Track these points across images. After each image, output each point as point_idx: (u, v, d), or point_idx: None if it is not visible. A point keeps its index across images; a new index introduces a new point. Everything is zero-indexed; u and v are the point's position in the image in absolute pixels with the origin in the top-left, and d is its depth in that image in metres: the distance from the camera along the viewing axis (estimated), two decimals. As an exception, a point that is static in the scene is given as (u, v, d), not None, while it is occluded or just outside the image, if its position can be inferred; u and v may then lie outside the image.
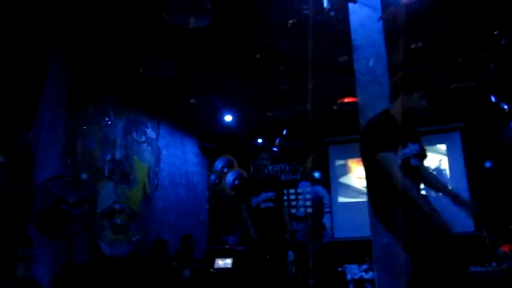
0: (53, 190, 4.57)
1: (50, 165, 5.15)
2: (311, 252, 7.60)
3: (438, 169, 8.46)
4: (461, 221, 7.88)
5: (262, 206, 4.30)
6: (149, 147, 7.57)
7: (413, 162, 2.37)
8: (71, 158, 5.75)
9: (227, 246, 8.01)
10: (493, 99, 6.81)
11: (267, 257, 4.27)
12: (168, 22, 4.02)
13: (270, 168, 4.87)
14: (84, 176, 5.90)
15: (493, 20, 5.15)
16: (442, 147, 8.51)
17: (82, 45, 5.51)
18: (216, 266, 6.60)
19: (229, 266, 6.57)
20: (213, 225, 9.20)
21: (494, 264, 6.06)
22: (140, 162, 7.28)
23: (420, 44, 5.56)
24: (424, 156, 2.57)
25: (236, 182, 8.70)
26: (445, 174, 8.41)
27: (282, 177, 9.54)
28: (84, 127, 6.11)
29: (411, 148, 2.42)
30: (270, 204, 4.33)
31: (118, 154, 6.75)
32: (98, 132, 6.39)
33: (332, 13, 3.98)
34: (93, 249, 5.86)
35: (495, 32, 5.22)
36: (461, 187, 8.12)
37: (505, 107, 6.83)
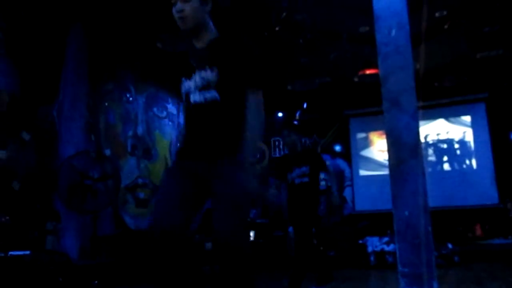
0: (78, 165, 4.68)
1: (74, 140, 5.25)
2: (332, 224, 7.64)
3: (462, 141, 8.32)
4: (485, 193, 7.83)
5: (296, 181, 4.27)
6: (170, 122, 7.63)
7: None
8: (94, 134, 5.85)
9: (248, 219, 8.11)
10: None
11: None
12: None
13: (301, 140, 4.80)
14: (107, 151, 6.00)
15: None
16: (467, 118, 8.33)
17: (100, 21, 5.51)
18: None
19: (251, 238, 6.68)
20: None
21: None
22: (162, 137, 7.36)
23: (445, 12, 5.37)
24: None
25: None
26: (470, 146, 8.27)
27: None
28: (106, 103, 6.18)
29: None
30: (305, 179, 4.26)
31: (140, 130, 6.83)
32: (120, 107, 6.46)
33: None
34: (118, 222, 6.02)
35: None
36: (486, 158, 7.99)
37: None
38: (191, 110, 1.95)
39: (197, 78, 1.94)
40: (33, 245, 4.21)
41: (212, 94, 1.92)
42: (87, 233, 5.08)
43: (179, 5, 1.93)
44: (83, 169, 4.70)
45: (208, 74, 1.93)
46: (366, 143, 8.95)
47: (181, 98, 2.11)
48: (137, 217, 6.46)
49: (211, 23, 2.05)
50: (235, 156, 1.85)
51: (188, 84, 1.97)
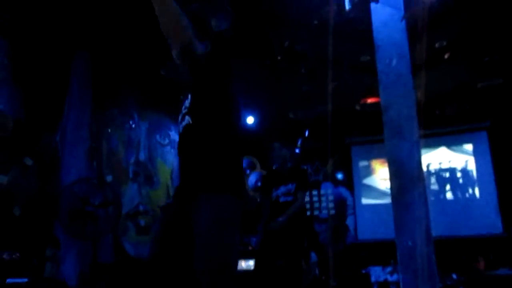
0: (79, 192, 4.67)
1: (76, 166, 5.26)
2: (334, 254, 7.55)
3: (464, 170, 8.29)
4: (489, 222, 7.74)
5: (281, 199, 4.09)
6: (172, 150, 7.65)
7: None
8: (96, 160, 5.86)
9: (250, 248, 8.02)
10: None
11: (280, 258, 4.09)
12: (190, 25, 4.05)
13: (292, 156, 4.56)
14: (109, 178, 5.99)
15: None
16: (469, 147, 8.33)
17: (106, 47, 5.60)
18: (239, 268, 6.61)
19: (252, 267, 6.58)
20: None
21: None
22: (164, 164, 7.36)
23: (445, 43, 5.45)
24: None
25: (259, 183, 8.70)
26: (472, 175, 8.23)
27: (305, 178, 9.50)
28: (109, 129, 6.22)
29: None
30: (289, 198, 4.07)
31: (142, 156, 6.84)
32: (122, 134, 6.49)
33: (353, 14, 3.95)
34: (118, 250, 5.95)
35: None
36: (489, 187, 7.94)
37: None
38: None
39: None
40: (32, 272, 4.16)
41: (186, 120, 1.84)
42: (86, 260, 5.02)
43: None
44: (84, 195, 4.69)
45: (187, 101, 1.89)
46: (369, 171, 8.93)
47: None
48: (137, 244, 6.39)
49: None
50: (213, 188, 1.69)
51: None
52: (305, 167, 8.87)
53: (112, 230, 5.27)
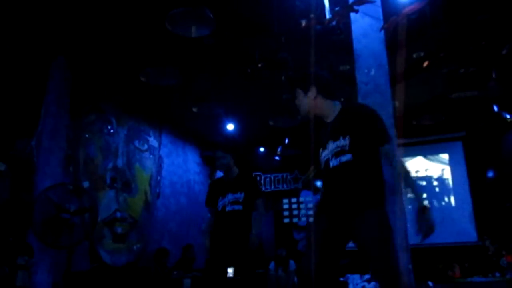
0: (54, 198, 4.57)
1: (51, 173, 5.15)
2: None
3: (440, 179, 8.44)
4: (464, 230, 7.88)
5: (228, 209, 3.84)
6: (151, 156, 7.57)
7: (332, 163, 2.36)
8: (73, 166, 5.76)
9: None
10: (495, 108, 6.80)
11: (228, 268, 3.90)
12: (170, 31, 4.04)
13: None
14: (85, 184, 5.89)
15: (494, 30, 5.15)
16: (445, 156, 8.49)
17: (84, 53, 5.54)
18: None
19: (231, 275, 6.53)
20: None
21: (497, 274, 6.02)
22: (142, 171, 7.28)
23: (422, 54, 5.56)
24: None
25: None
26: (448, 183, 8.39)
27: (285, 186, 9.52)
28: (86, 135, 6.12)
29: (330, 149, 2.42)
30: (238, 207, 3.83)
31: (120, 162, 6.75)
32: (100, 140, 6.40)
33: (333, 23, 3.99)
34: (93, 258, 5.84)
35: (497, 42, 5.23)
36: (464, 196, 8.09)
37: (507, 116, 6.82)
38: (330, 172, 2.39)
39: (331, 146, 2.39)
40: (3, 280, 4.04)
41: (347, 157, 2.33)
42: (60, 268, 4.91)
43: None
44: (59, 201, 4.58)
45: (341, 142, 2.37)
46: (347, 180, 8.99)
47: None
48: (113, 252, 6.29)
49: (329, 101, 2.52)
50: (374, 206, 2.26)
51: (325, 153, 2.43)
52: (254, 175, 8.82)
53: (88, 238, 5.16)
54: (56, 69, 5.46)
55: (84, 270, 5.41)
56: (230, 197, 3.86)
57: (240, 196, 3.85)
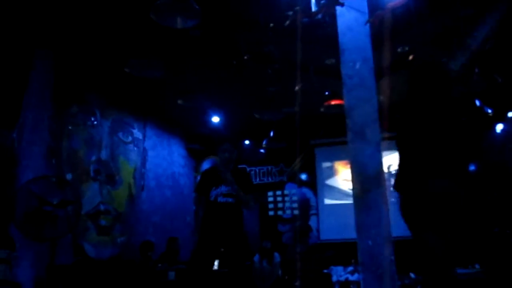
0: (37, 190, 4.50)
1: (34, 165, 5.08)
2: (297, 254, 7.61)
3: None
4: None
5: (220, 200, 3.89)
6: (135, 148, 7.52)
7: None
8: (55, 158, 5.68)
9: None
10: (477, 103, 6.89)
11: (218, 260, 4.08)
12: (155, 22, 3.99)
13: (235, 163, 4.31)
14: (68, 176, 5.82)
15: (477, 25, 5.22)
16: (427, 150, 8.60)
17: (67, 44, 5.45)
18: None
19: (215, 267, 6.55)
20: (200, 226, 9.17)
21: (477, 266, 6.13)
22: (126, 163, 7.22)
23: (407, 48, 5.61)
24: None
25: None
26: (430, 177, 8.50)
27: (270, 179, 9.54)
28: (70, 127, 6.04)
29: None
30: (230, 200, 3.89)
31: (104, 155, 6.68)
32: (84, 132, 6.32)
33: (319, 16, 3.99)
34: (77, 251, 5.79)
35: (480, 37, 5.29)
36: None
37: (489, 111, 6.93)
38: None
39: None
40: (-16, 274, 3.99)
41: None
42: (43, 262, 4.85)
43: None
44: (42, 194, 4.52)
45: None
46: (332, 173, 9.07)
47: None
48: (98, 245, 6.24)
49: None
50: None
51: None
52: (244, 167, 8.89)
53: (71, 231, 5.11)
54: (39, 59, 5.36)
55: (67, 263, 5.36)
56: (223, 188, 3.92)
57: (234, 189, 3.91)
